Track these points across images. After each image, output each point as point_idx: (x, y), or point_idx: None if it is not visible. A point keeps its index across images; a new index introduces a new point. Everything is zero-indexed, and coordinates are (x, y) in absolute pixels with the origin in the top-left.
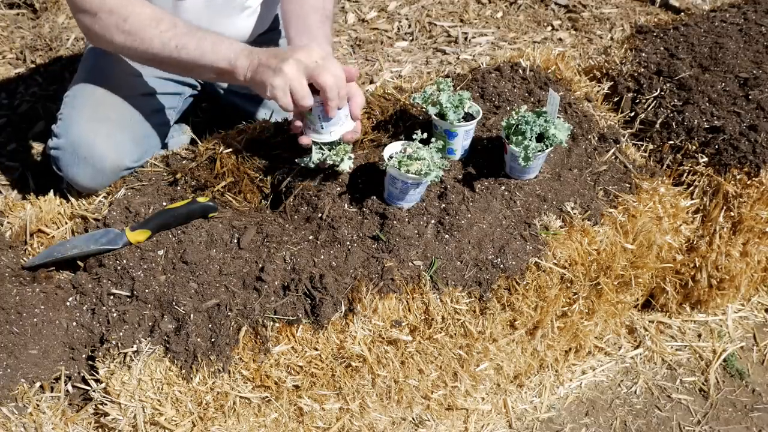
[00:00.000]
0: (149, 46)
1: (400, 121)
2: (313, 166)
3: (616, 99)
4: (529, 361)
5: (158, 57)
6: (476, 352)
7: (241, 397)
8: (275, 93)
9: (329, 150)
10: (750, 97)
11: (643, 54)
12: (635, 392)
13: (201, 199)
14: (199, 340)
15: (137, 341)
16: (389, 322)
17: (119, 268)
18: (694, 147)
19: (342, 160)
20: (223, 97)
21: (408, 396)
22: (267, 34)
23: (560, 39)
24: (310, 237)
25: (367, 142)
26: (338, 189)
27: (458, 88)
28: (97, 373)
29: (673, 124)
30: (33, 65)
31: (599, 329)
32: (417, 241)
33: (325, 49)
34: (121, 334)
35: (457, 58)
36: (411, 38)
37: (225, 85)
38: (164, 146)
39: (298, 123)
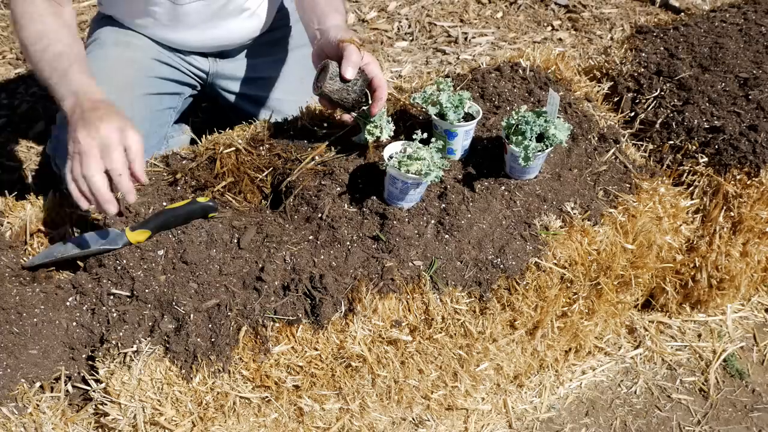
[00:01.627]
0: (29, 62)
1: (400, 121)
2: (364, 141)
3: (616, 99)
4: (529, 361)
5: (36, 75)
6: (476, 352)
7: (241, 397)
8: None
9: (373, 126)
10: (750, 97)
11: (643, 54)
12: (635, 392)
13: (201, 199)
14: (199, 340)
15: (137, 341)
16: (389, 322)
17: (119, 268)
18: (694, 147)
19: (381, 132)
20: (232, 102)
21: (408, 396)
22: (268, 34)
23: (560, 39)
24: (310, 237)
25: None
26: (338, 189)
27: (458, 88)
28: (97, 373)
29: (673, 124)
30: None
31: (599, 329)
32: (417, 241)
33: (337, 21)
34: (121, 334)
35: (457, 58)
36: (411, 38)
37: (236, 89)
38: (164, 146)
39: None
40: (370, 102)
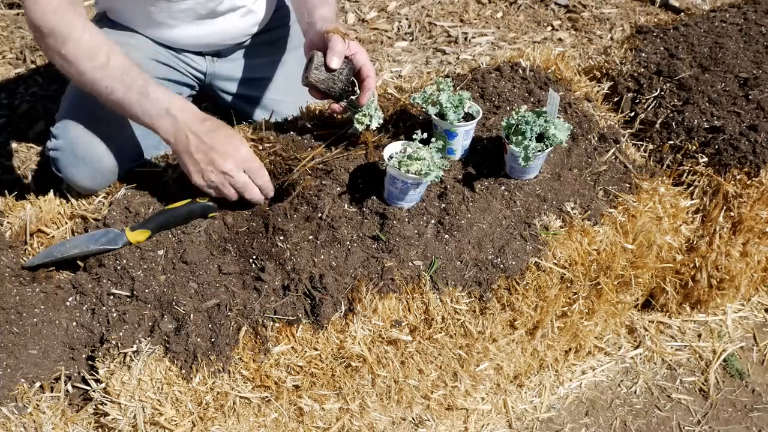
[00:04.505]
0: (81, 79)
1: (400, 121)
2: (358, 130)
3: (616, 99)
4: (529, 361)
5: (91, 91)
6: (476, 352)
7: (241, 397)
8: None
9: (362, 115)
10: (750, 97)
11: (643, 54)
12: (635, 392)
13: (201, 199)
14: (199, 340)
15: (137, 341)
16: (389, 322)
17: (119, 268)
18: (694, 147)
19: (371, 120)
20: (230, 103)
21: (408, 396)
22: (266, 33)
23: (560, 39)
24: (310, 237)
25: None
26: (338, 189)
27: (458, 88)
28: (97, 373)
29: (673, 124)
30: (33, 65)
31: (599, 329)
32: (417, 241)
33: (325, 13)
34: (121, 334)
35: (457, 58)
36: (411, 38)
37: (234, 90)
38: (164, 146)
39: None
40: (358, 91)
